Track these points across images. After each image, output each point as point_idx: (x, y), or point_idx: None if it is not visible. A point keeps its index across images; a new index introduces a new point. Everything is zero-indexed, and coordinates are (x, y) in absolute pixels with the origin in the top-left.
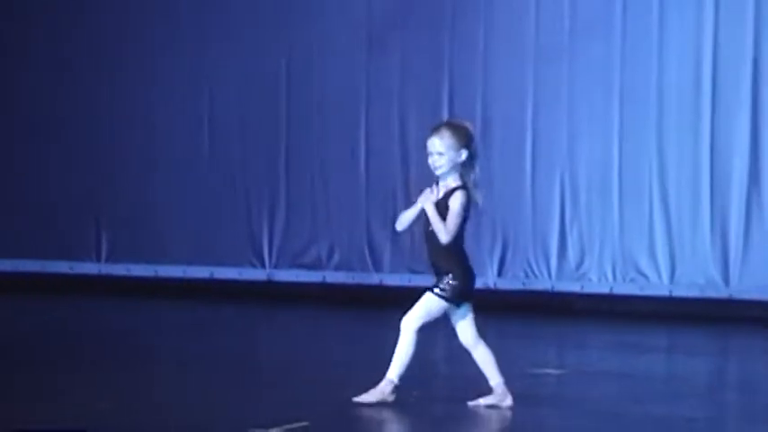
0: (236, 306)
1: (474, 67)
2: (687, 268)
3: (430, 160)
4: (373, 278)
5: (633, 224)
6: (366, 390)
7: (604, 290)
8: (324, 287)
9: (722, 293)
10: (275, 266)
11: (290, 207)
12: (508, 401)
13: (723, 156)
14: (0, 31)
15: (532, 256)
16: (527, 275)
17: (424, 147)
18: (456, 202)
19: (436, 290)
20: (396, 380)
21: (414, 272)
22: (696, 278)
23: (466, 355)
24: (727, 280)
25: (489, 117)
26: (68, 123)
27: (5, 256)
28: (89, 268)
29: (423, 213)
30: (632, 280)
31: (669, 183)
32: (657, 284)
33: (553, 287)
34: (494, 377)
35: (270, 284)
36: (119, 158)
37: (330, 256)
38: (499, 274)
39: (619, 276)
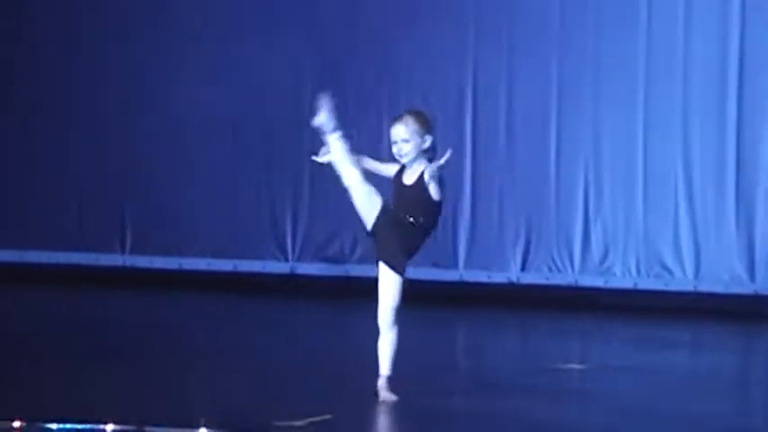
0: (259, 299)
1: (498, 63)
2: (712, 263)
3: (395, 149)
4: None
5: (658, 219)
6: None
7: (628, 285)
8: (347, 280)
9: (747, 289)
10: (298, 259)
11: (313, 200)
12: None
13: (749, 150)
14: (29, 21)
15: (556, 250)
16: (550, 270)
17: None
18: (431, 173)
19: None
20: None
21: (437, 265)
22: (721, 273)
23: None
24: (752, 275)
25: (513, 111)
26: (94, 116)
27: (31, 247)
28: (114, 260)
29: (405, 200)
30: (656, 275)
31: (694, 177)
32: (682, 279)
33: (577, 282)
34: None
35: (293, 277)
36: (144, 151)
37: (353, 250)
38: (522, 268)
39: (643, 271)
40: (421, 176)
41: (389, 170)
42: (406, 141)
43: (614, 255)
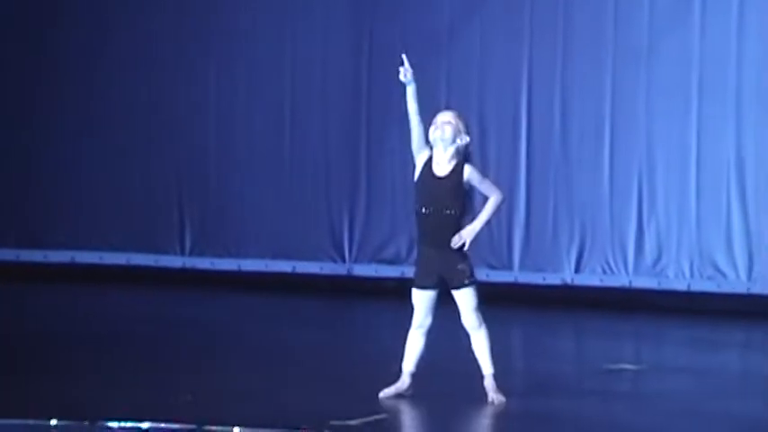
0: (317, 300)
1: (553, 64)
2: (765, 266)
3: (437, 133)
4: None
5: (710, 221)
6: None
7: (681, 287)
8: (402, 282)
9: None
10: (355, 261)
11: (369, 203)
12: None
13: None
14: (80, 22)
15: (610, 252)
16: (604, 272)
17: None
18: (475, 173)
19: (466, 282)
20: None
21: (492, 267)
22: None
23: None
24: None
25: (568, 115)
26: (156, 121)
27: (93, 248)
28: (173, 261)
29: (437, 192)
30: (710, 277)
31: (747, 180)
32: (735, 282)
33: (630, 283)
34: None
35: (350, 279)
36: (204, 154)
37: (409, 252)
38: (577, 270)
39: (696, 273)
40: (456, 168)
41: (419, 135)
42: (449, 123)
43: (668, 257)
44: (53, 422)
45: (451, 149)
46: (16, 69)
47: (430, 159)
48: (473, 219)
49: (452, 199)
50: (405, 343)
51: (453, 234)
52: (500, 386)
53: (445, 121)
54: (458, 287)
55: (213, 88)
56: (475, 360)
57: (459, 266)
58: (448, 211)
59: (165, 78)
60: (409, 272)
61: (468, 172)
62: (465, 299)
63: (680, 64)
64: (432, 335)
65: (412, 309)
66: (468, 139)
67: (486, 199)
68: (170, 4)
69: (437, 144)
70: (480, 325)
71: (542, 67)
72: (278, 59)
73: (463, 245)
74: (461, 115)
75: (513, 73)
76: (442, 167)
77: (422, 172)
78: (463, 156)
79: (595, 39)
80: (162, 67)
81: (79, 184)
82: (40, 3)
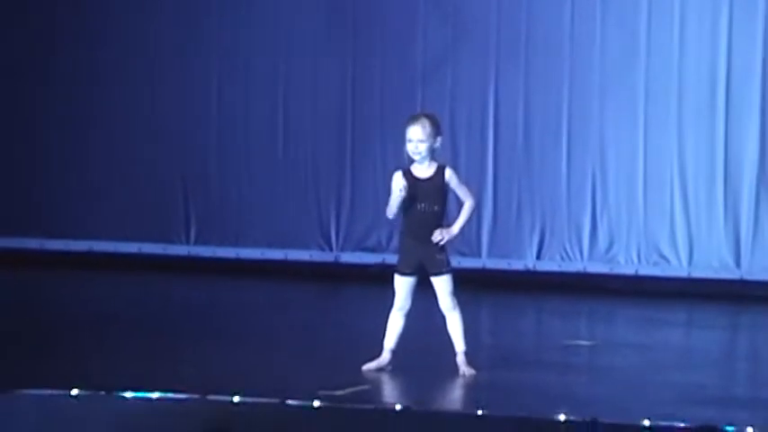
0: (307, 284)
1: (516, 74)
2: (703, 252)
3: (411, 147)
4: None
5: (656, 213)
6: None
7: (630, 271)
8: (384, 268)
9: (734, 275)
10: (342, 249)
11: (354, 197)
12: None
13: (735, 150)
14: (86, 16)
15: (567, 241)
16: (562, 258)
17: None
18: (455, 177)
19: (444, 270)
20: (465, 347)
21: (462, 254)
22: (711, 261)
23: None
24: (738, 262)
25: (530, 119)
26: (160, 126)
27: (109, 238)
28: (180, 250)
29: (424, 192)
30: (655, 263)
31: (688, 177)
32: (677, 267)
33: (585, 269)
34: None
35: (337, 265)
36: (206, 156)
37: (389, 240)
38: (538, 257)
39: (643, 259)
40: (438, 172)
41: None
42: (423, 142)
43: (618, 245)
44: (74, 392)
45: (427, 161)
46: (35, 70)
47: (407, 171)
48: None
49: (439, 197)
50: (386, 323)
51: (435, 228)
52: (470, 361)
53: (420, 139)
54: (436, 274)
55: (215, 99)
56: (449, 338)
57: (438, 256)
58: (436, 208)
59: (169, 77)
60: (390, 258)
61: (449, 175)
62: (442, 285)
63: (628, 72)
64: (410, 316)
65: (393, 292)
66: (440, 139)
67: (458, 199)
68: (173, 5)
69: (414, 158)
70: (455, 307)
71: (507, 77)
72: (272, 67)
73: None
74: (433, 116)
75: (482, 80)
76: (423, 172)
77: (407, 182)
78: (436, 155)
79: (554, 52)
80: (167, 65)
81: (98, 181)
82: None
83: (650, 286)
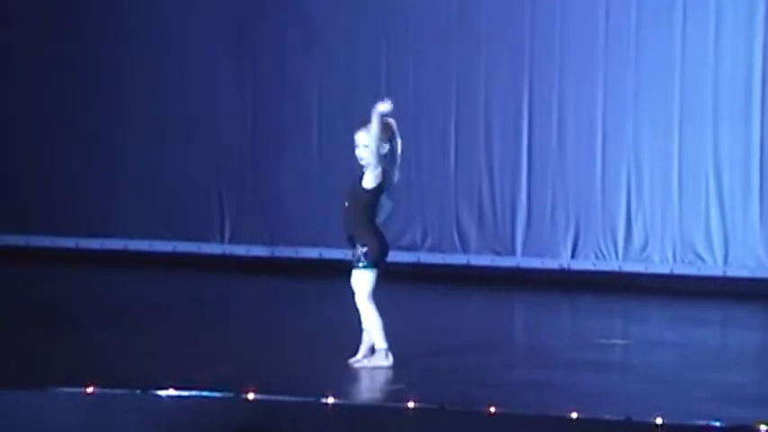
0: (342, 283)
1: (551, 73)
2: (739, 251)
3: (357, 152)
4: (461, 259)
5: (691, 212)
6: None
7: (665, 270)
8: (417, 266)
9: None
10: None
11: None
12: (388, 362)
13: None
14: (124, 16)
15: (602, 240)
16: (597, 257)
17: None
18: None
19: (359, 264)
20: (386, 344)
21: (497, 253)
22: (747, 260)
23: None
24: None
25: (564, 117)
26: (195, 128)
27: (144, 237)
28: (214, 248)
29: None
30: (690, 262)
31: (723, 177)
32: (712, 266)
33: (620, 268)
34: (379, 342)
35: None
36: (240, 157)
37: (423, 239)
38: (572, 256)
39: (678, 258)
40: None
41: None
42: (366, 147)
43: (653, 244)
44: (109, 390)
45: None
46: (68, 70)
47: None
48: None
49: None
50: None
51: (355, 226)
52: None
53: (363, 143)
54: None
55: (249, 98)
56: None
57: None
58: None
59: (203, 87)
60: (423, 257)
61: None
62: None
63: (663, 71)
64: (428, 317)
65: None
66: (387, 147)
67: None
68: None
69: (360, 161)
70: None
71: (542, 76)
72: (305, 70)
73: None
74: (384, 123)
75: (516, 80)
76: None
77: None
78: (386, 165)
79: (588, 52)
80: (202, 74)
81: (133, 181)
82: None
83: (685, 285)
